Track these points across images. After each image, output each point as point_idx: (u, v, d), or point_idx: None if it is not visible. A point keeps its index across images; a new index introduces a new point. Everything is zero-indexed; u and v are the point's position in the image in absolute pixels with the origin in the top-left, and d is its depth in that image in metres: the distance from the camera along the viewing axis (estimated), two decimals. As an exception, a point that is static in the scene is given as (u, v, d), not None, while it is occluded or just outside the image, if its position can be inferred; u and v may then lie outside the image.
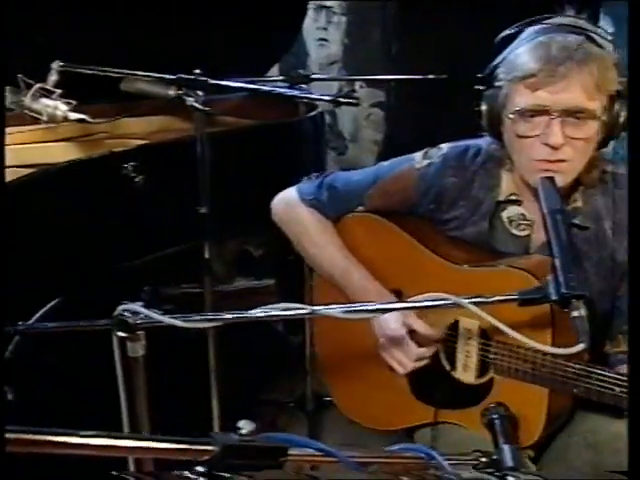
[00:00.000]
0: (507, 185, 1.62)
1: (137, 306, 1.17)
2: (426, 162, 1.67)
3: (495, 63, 1.53)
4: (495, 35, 1.56)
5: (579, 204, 1.58)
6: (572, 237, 1.38)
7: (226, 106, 2.60)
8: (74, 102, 2.02)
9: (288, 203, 1.81)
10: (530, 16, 1.52)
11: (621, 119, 1.49)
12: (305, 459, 0.89)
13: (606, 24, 2.79)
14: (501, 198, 1.63)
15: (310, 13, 3.30)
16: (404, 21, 3.31)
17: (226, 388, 2.13)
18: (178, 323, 1.15)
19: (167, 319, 1.15)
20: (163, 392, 1.47)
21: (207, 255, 2.09)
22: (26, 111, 2.02)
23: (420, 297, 1.24)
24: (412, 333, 1.64)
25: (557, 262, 1.25)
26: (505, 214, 1.63)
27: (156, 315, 1.15)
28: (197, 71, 1.98)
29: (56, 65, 2.07)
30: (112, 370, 1.20)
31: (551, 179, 1.44)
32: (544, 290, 1.23)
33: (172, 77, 1.99)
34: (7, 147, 1.81)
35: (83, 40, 2.21)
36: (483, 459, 1.16)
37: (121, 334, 1.17)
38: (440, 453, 1.06)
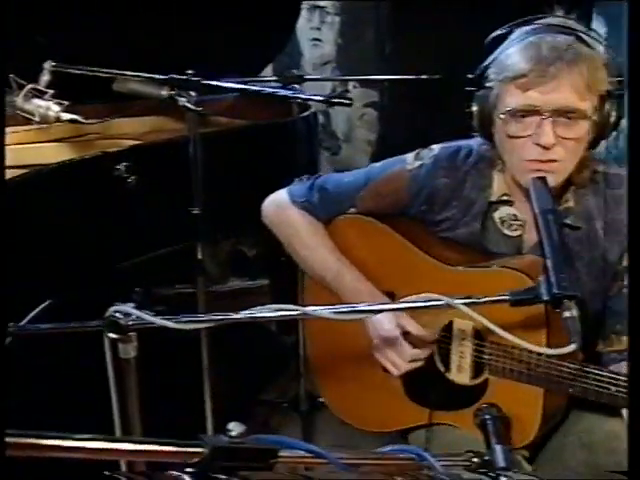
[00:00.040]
0: (499, 185, 1.62)
1: (129, 307, 1.17)
2: (418, 163, 1.67)
3: (485, 64, 1.53)
4: (489, 35, 1.56)
5: (571, 204, 1.59)
6: (564, 237, 1.39)
7: (219, 106, 2.60)
8: (66, 102, 2.02)
9: (279, 205, 1.80)
10: (520, 17, 1.53)
11: (612, 119, 1.50)
12: (295, 461, 0.89)
13: (599, 24, 2.80)
14: (493, 199, 1.63)
15: (304, 13, 3.29)
16: (398, 21, 3.31)
17: (219, 388, 2.12)
18: (169, 324, 1.15)
19: (159, 320, 1.14)
20: (156, 393, 1.47)
21: (200, 256, 2.09)
22: (18, 112, 2.01)
23: (411, 298, 1.24)
24: (406, 334, 1.64)
25: (549, 262, 1.25)
26: (497, 214, 1.63)
27: (148, 316, 1.15)
28: (190, 71, 1.98)
29: (48, 65, 2.06)
30: (104, 371, 1.20)
31: (543, 179, 1.45)
32: (536, 290, 1.23)
33: (164, 77, 1.98)
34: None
35: (75, 40, 2.21)
36: (475, 460, 1.16)
37: (112, 335, 1.16)
38: (432, 454, 1.06)
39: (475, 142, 1.64)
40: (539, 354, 1.48)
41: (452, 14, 3.01)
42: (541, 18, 1.52)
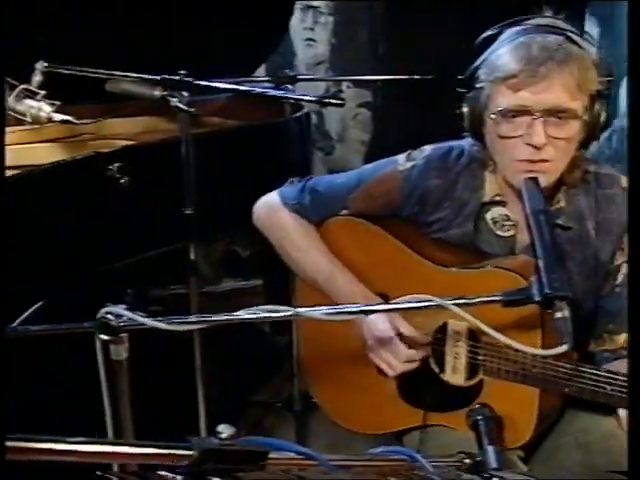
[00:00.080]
0: (491, 186, 1.62)
1: (120, 309, 1.16)
2: (409, 164, 1.67)
3: (476, 65, 1.53)
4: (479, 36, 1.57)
5: (562, 204, 1.59)
6: (556, 238, 1.39)
7: (212, 107, 2.59)
8: (58, 103, 2.01)
9: (270, 208, 1.80)
10: (509, 18, 1.53)
11: (602, 119, 1.50)
12: (285, 463, 0.89)
13: (592, 25, 2.81)
14: (485, 199, 1.63)
15: (297, 13, 3.30)
16: (391, 21, 3.32)
17: (213, 389, 2.12)
18: (161, 326, 1.15)
19: (150, 322, 1.14)
20: (149, 393, 1.47)
21: (193, 256, 2.08)
22: (10, 112, 2.00)
23: (403, 299, 1.24)
24: (401, 335, 1.63)
25: (540, 263, 1.25)
26: (489, 215, 1.63)
27: (139, 317, 1.15)
28: (182, 72, 1.98)
29: (40, 66, 2.06)
30: (96, 373, 1.20)
31: (535, 180, 1.45)
32: (527, 291, 1.23)
33: (157, 78, 1.98)
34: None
35: (68, 40, 2.20)
36: (467, 460, 1.17)
37: (104, 337, 1.16)
38: (424, 455, 1.06)
39: (466, 142, 1.64)
40: (534, 355, 1.48)
41: (446, 14, 3.02)
42: (530, 18, 1.52)
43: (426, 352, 1.64)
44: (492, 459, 1.20)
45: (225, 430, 0.86)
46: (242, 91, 2.10)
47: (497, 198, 1.62)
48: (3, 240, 1.77)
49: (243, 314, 1.17)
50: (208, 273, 3.27)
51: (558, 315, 1.20)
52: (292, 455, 0.91)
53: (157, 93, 1.98)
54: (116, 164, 2.07)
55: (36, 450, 0.82)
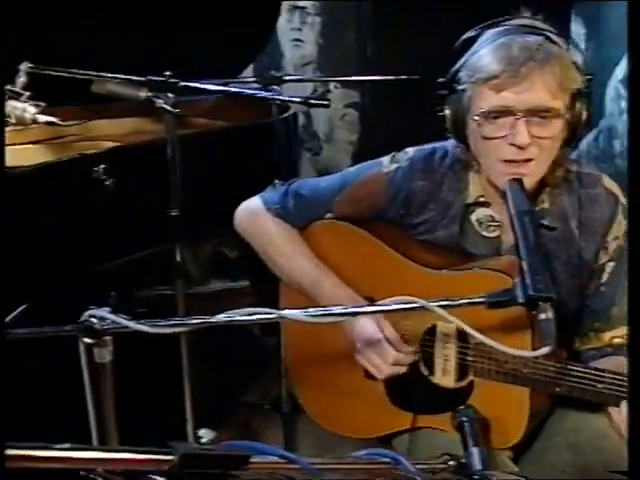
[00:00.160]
0: (475, 187, 1.62)
1: (104, 312, 1.16)
2: (394, 166, 1.66)
3: (457, 67, 1.53)
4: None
5: (546, 205, 1.59)
6: (540, 238, 1.39)
7: (198, 108, 2.59)
8: (43, 104, 2.00)
9: (252, 212, 1.77)
10: (486, 19, 1.53)
11: (583, 117, 1.51)
12: (268, 467, 0.89)
13: (578, 25, 2.81)
14: (470, 200, 1.63)
15: (284, 14, 3.30)
16: (379, 22, 3.32)
17: (200, 390, 2.11)
18: (145, 328, 1.14)
19: (134, 324, 1.13)
20: (136, 395, 1.46)
21: (179, 258, 2.07)
22: (-7, 114, 1.99)
23: (387, 300, 1.23)
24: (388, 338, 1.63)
25: (524, 264, 1.25)
26: (474, 216, 1.63)
27: (123, 320, 1.14)
28: (168, 73, 1.97)
29: (25, 67, 2.04)
30: (80, 376, 1.19)
31: (519, 181, 1.45)
32: (511, 293, 1.23)
33: (142, 79, 1.97)
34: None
35: (53, 41, 2.19)
36: (451, 462, 1.17)
37: (87, 340, 1.15)
38: (407, 457, 1.06)
39: (450, 144, 1.64)
40: (520, 356, 1.48)
41: (433, 15, 3.02)
42: (509, 19, 1.52)
43: (415, 355, 1.63)
44: (476, 461, 1.19)
45: (206, 435, 0.85)
46: (229, 92, 2.09)
47: (481, 199, 1.62)
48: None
49: (226, 317, 1.17)
50: (196, 274, 3.26)
51: (542, 317, 1.19)
52: (274, 459, 0.91)
53: (143, 94, 1.97)
54: (101, 166, 2.06)
55: (20, 457, 0.81)
